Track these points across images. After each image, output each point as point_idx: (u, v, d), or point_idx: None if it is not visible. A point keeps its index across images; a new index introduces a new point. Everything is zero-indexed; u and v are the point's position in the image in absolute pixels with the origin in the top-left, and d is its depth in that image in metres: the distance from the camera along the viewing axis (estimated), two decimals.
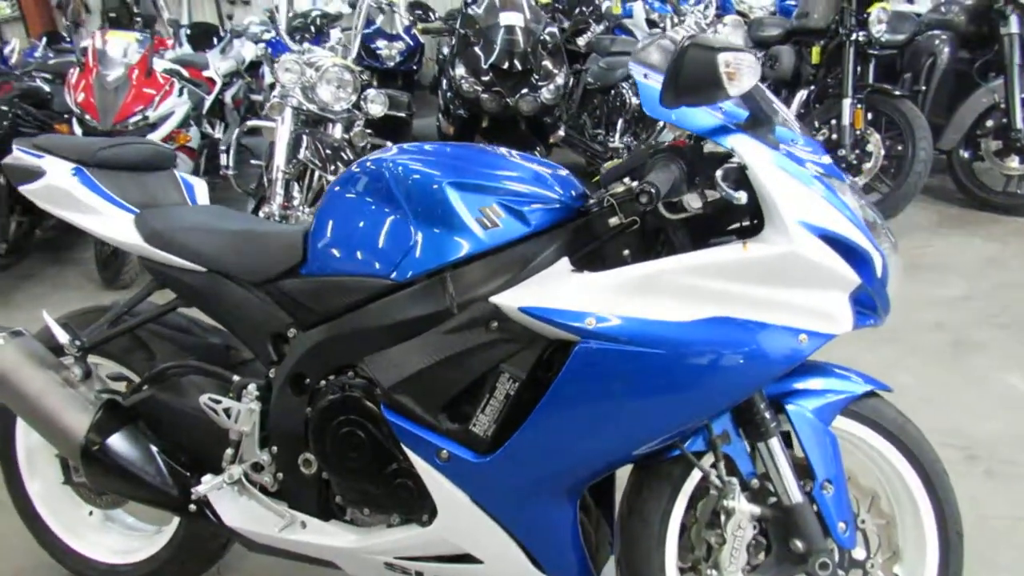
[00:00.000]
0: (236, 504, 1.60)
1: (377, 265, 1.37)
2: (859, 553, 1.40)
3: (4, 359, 1.63)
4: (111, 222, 1.64)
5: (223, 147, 4.76)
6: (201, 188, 1.85)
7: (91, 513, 1.97)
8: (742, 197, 1.15)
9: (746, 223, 1.27)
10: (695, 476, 1.36)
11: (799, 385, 1.36)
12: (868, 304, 1.24)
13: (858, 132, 4.12)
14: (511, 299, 1.25)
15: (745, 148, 1.17)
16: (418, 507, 1.41)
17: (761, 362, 1.18)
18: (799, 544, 1.32)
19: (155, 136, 3.90)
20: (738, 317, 1.18)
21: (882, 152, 4.11)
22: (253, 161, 4.00)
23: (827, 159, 1.32)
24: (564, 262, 1.29)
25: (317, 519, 1.54)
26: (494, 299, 1.27)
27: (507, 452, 1.29)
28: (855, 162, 4.15)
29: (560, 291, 1.23)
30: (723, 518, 1.32)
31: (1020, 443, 2.26)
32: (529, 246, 1.31)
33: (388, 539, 1.47)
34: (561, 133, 4.56)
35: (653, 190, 1.14)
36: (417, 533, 1.43)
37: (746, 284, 1.18)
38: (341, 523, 1.53)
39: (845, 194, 1.25)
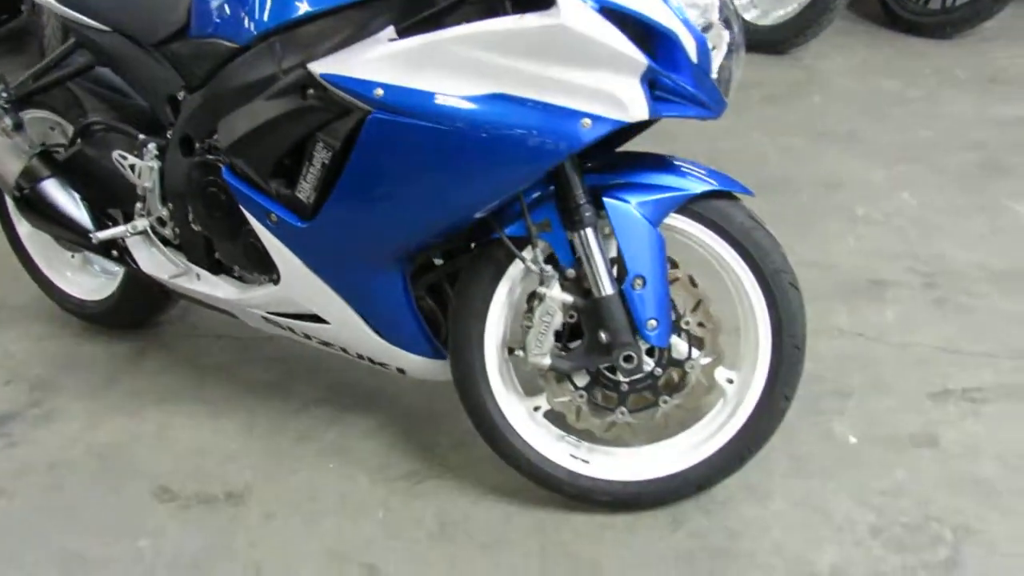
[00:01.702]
0: (147, 253, 1.75)
1: (228, 28, 1.36)
2: (680, 353, 1.39)
3: None
4: None
5: None
6: None
7: (73, 256, 2.21)
8: None
9: None
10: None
11: (630, 179, 1.29)
12: (678, 92, 1.13)
13: None
14: (319, 66, 1.23)
15: None
16: (269, 267, 1.49)
17: (542, 144, 1.12)
18: (604, 336, 1.32)
19: None
20: (517, 95, 1.11)
21: None
22: None
23: None
24: (389, 31, 1.23)
25: (209, 272, 1.67)
26: (309, 65, 1.24)
27: (323, 219, 1.33)
28: None
29: (363, 59, 1.19)
30: (536, 303, 1.33)
31: (991, 277, 2.07)
32: (361, 12, 1.25)
33: (256, 295, 1.58)
34: None
35: None
36: (273, 291, 1.53)
37: (523, 59, 1.09)
38: (228, 277, 1.66)
39: None
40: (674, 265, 1.41)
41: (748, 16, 3.57)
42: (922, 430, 1.61)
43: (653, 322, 1.30)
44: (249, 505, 1.60)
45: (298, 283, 1.45)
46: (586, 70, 1.08)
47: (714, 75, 1.18)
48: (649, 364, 1.37)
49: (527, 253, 1.33)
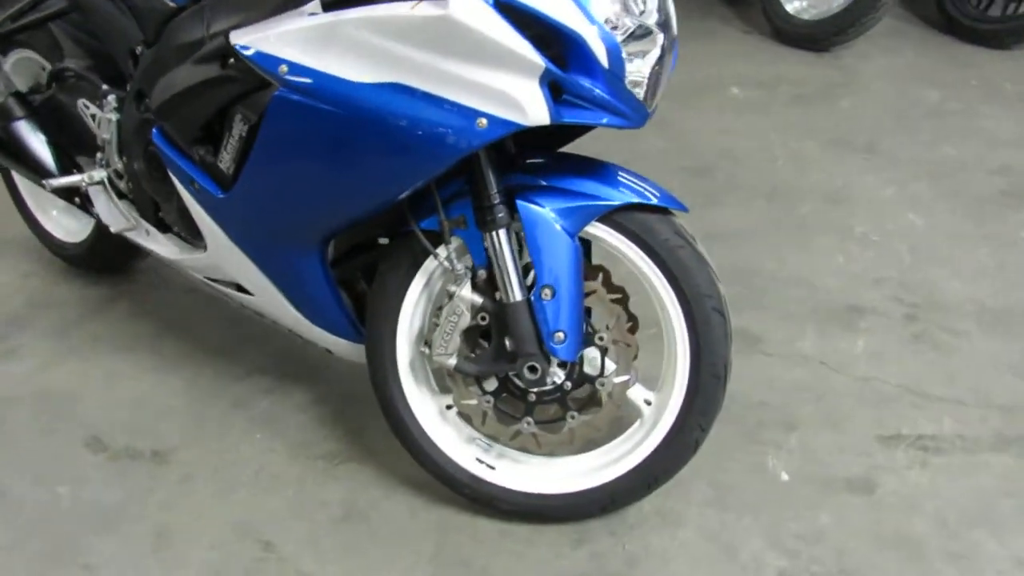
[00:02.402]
0: (105, 204, 1.76)
1: None
2: (592, 369, 1.33)
3: None
4: None
5: None
6: None
7: None
8: None
9: None
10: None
11: (551, 182, 1.23)
12: (587, 97, 1.05)
13: None
14: (238, 35, 1.19)
15: None
16: (198, 233, 1.48)
17: (437, 140, 1.07)
18: (509, 343, 1.26)
19: None
20: (414, 87, 1.05)
21: None
22: None
23: None
24: (314, 4, 1.18)
25: (157, 230, 1.66)
26: (231, 34, 1.21)
27: (238, 192, 1.30)
28: None
29: (274, 33, 1.15)
30: (446, 300, 1.29)
31: (980, 316, 1.93)
32: None
33: (192, 258, 1.57)
34: None
35: None
36: (202, 257, 1.51)
37: (419, 50, 1.03)
38: (174, 237, 1.65)
39: None
40: (607, 277, 1.34)
41: (790, 8, 3.38)
42: (861, 475, 1.51)
43: (560, 334, 1.24)
44: (171, 465, 1.61)
45: (223, 252, 1.43)
46: (481, 67, 1.01)
47: (637, 80, 1.10)
48: (559, 377, 1.31)
49: (441, 249, 1.28)
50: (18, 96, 1.82)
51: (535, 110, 1.03)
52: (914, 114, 2.89)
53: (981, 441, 1.58)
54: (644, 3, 1.13)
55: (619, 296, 1.34)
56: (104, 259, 2.11)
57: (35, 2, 1.82)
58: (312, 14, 1.15)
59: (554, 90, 1.04)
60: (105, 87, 1.65)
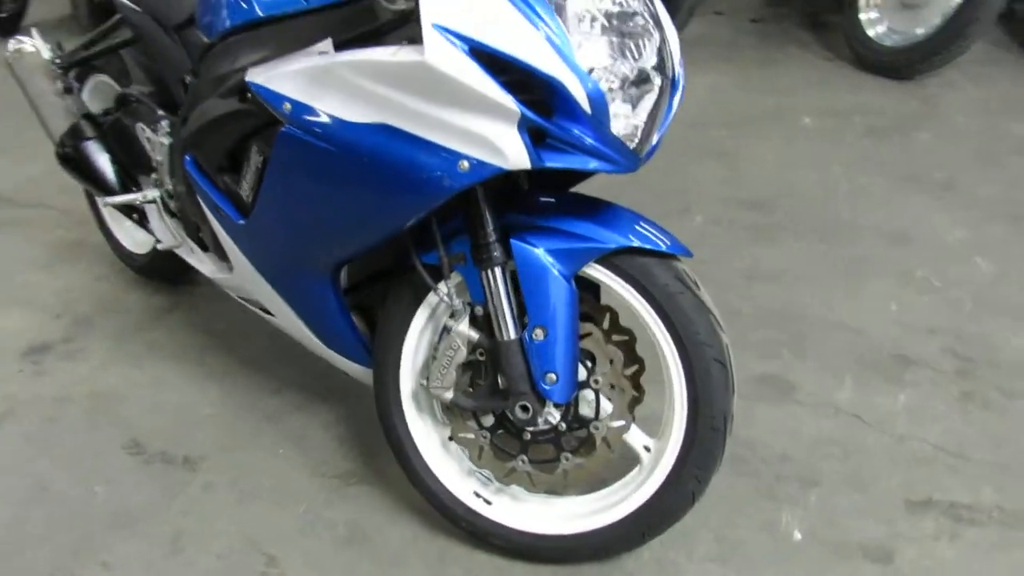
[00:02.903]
0: (157, 221, 1.87)
1: (207, 22, 1.41)
2: (587, 412, 1.31)
3: (20, 67, 1.97)
4: None
5: None
6: None
7: None
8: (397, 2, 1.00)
9: None
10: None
11: (549, 223, 1.22)
12: (570, 143, 1.04)
13: None
14: (253, 72, 1.24)
15: None
16: (224, 255, 1.55)
17: (423, 180, 1.08)
18: (501, 381, 1.26)
19: None
20: (400, 128, 1.07)
21: None
22: None
23: None
24: (325, 44, 1.22)
25: (200, 249, 1.75)
26: (249, 70, 1.26)
27: (254, 219, 1.36)
28: None
29: (282, 72, 1.19)
30: (444, 334, 1.30)
31: None
32: (306, 22, 1.25)
33: (223, 277, 1.65)
34: None
35: None
36: (231, 277, 1.59)
37: (402, 93, 1.05)
38: (212, 255, 1.73)
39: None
40: (614, 318, 1.32)
41: (871, 33, 3.24)
42: (881, 542, 1.43)
43: (552, 376, 1.23)
44: (198, 472, 1.69)
45: (245, 274, 1.50)
46: (460, 112, 1.02)
47: (629, 128, 1.08)
48: (554, 417, 1.30)
49: (442, 284, 1.29)
50: (89, 118, 1.96)
51: (515, 155, 1.03)
52: (999, 150, 2.71)
53: (1022, 515, 1.46)
54: (643, 46, 1.11)
55: (625, 338, 1.32)
56: (163, 271, 2.24)
57: (106, 31, 1.97)
58: (323, 53, 1.19)
59: (537, 134, 1.04)
60: (160, 112, 1.76)
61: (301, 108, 1.15)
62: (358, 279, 1.48)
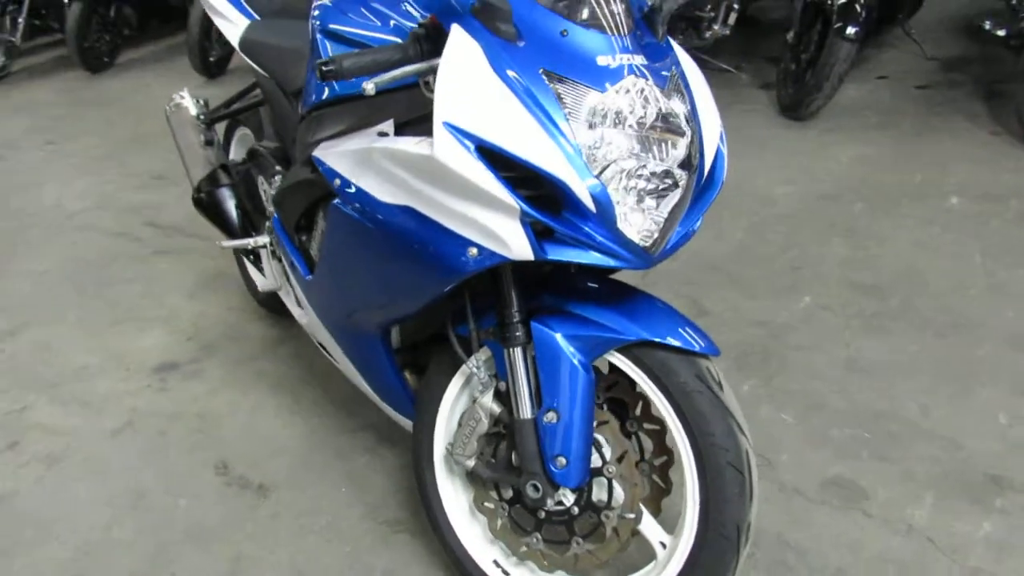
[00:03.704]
0: (265, 265, 2.06)
1: (305, 97, 1.57)
2: (600, 499, 1.29)
3: (175, 119, 2.27)
4: (229, 27, 2.07)
5: None
6: None
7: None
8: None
9: None
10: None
11: (573, 308, 1.24)
12: (576, 237, 1.06)
13: None
14: (319, 147, 1.37)
15: (452, 38, 1.05)
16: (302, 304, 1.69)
17: (438, 261, 1.14)
18: (515, 458, 1.28)
19: None
20: (423, 212, 1.13)
21: None
22: None
23: (638, 59, 1.07)
24: (386, 125, 1.32)
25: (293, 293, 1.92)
26: (319, 146, 1.39)
27: (317, 277, 1.48)
28: None
29: (338, 150, 1.31)
30: (470, 404, 1.34)
31: None
32: (371, 104, 1.35)
33: (304, 322, 1.79)
34: None
35: None
36: (308, 323, 1.72)
37: (422, 180, 1.12)
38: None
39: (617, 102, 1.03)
40: (647, 407, 1.30)
41: None
42: None
43: (562, 460, 1.24)
44: (268, 500, 1.83)
45: (313, 322, 1.62)
46: (469, 203, 1.07)
47: (647, 229, 1.09)
48: (566, 500, 1.30)
49: (473, 356, 1.34)
50: (224, 168, 2.21)
51: (518, 246, 1.07)
52: None
53: None
54: (673, 144, 1.10)
55: (656, 428, 1.30)
56: (281, 306, 2.45)
57: (247, 90, 2.22)
58: (383, 134, 1.29)
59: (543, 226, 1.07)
60: (277, 168, 1.96)
61: (347, 184, 1.26)
62: (413, 339, 1.56)
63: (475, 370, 1.33)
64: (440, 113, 1.04)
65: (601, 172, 1.05)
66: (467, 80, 1.04)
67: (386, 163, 1.17)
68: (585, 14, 1.08)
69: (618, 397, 1.35)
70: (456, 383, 1.42)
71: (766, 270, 2.51)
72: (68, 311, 2.63)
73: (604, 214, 1.05)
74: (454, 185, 1.07)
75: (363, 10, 1.40)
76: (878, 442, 1.77)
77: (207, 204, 2.18)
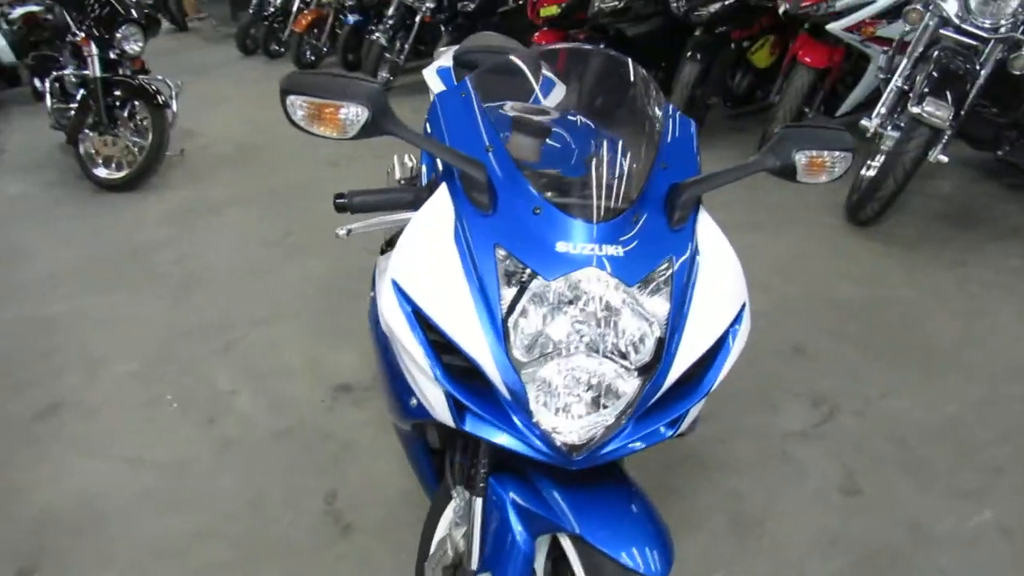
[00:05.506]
0: None
1: None
2: None
3: None
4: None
5: None
6: None
7: None
8: None
9: None
10: None
11: (536, 477, 1.18)
12: (493, 420, 1.02)
13: None
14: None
15: (435, 196, 1.08)
16: None
17: (398, 396, 1.19)
18: None
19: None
20: (398, 351, 1.17)
21: None
22: None
23: (611, 249, 1.00)
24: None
25: None
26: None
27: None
28: None
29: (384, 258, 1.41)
30: (448, 531, 1.35)
31: None
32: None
33: None
34: None
35: None
36: None
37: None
38: None
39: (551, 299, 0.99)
40: None
41: None
42: None
43: None
44: (345, 541, 2.00)
45: None
46: (410, 359, 1.09)
47: (571, 422, 1.01)
48: None
49: (456, 488, 1.34)
50: None
51: (440, 412, 1.06)
52: None
53: None
54: (642, 342, 1.01)
55: None
56: None
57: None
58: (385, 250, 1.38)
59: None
60: None
61: (373, 288, 1.37)
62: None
63: (457, 502, 1.34)
64: (391, 270, 1.09)
65: (528, 362, 1.01)
66: (424, 243, 1.07)
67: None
68: (560, 196, 1.04)
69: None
70: (453, 504, 1.43)
71: (959, 462, 2.06)
72: (303, 313, 3.08)
73: (520, 404, 1.01)
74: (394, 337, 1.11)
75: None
76: None
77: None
